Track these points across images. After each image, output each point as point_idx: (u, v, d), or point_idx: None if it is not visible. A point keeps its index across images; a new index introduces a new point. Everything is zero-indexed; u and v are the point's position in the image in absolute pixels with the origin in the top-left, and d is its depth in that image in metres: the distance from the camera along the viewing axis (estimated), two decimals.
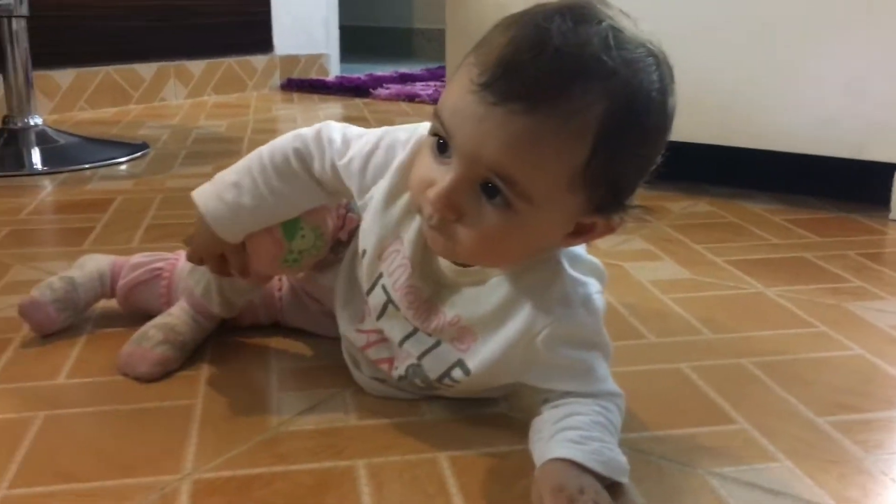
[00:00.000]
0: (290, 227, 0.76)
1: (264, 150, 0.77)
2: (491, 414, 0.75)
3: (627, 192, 0.62)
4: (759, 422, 0.74)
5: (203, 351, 0.87)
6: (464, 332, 0.69)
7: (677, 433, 0.72)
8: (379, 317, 0.73)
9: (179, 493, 0.63)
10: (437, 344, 0.70)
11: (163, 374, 0.81)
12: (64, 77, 2.42)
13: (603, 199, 0.61)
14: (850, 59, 1.35)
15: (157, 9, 2.66)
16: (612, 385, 0.69)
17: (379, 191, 0.71)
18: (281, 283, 0.91)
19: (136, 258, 0.94)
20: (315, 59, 3.26)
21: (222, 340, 0.89)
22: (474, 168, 0.58)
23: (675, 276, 1.11)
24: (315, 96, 2.92)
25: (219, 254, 0.78)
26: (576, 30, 0.56)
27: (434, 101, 2.72)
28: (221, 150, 1.93)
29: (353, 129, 0.75)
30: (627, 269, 1.12)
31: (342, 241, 0.82)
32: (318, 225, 0.78)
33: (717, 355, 0.87)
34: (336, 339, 0.82)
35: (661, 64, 0.60)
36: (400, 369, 0.74)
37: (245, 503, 0.62)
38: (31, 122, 1.83)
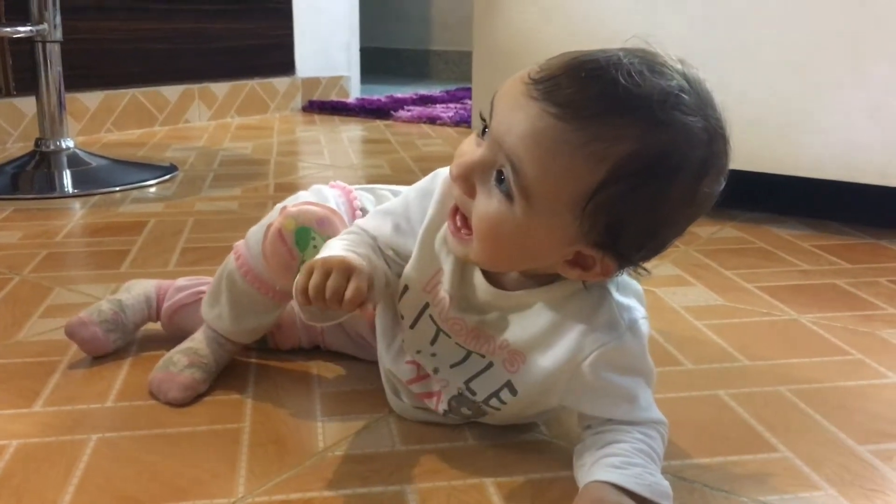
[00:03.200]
0: (303, 235, 0.79)
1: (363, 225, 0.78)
2: (532, 440, 0.76)
3: (628, 245, 0.62)
4: (801, 450, 0.74)
5: (246, 374, 0.88)
6: (514, 355, 0.70)
7: (720, 461, 0.73)
8: (432, 343, 0.74)
9: None
10: (490, 365, 0.71)
11: (193, 397, 0.82)
12: (91, 99, 2.46)
13: (601, 237, 0.61)
14: (874, 86, 1.37)
15: (181, 32, 2.70)
16: (655, 412, 0.70)
17: (423, 227, 0.73)
18: None
19: (181, 282, 0.96)
20: (336, 81, 3.30)
21: (264, 364, 0.91)
22: (497, 152, 0.61)
23: (708, 301, 1.12)
24: (336, 118, 2.95)
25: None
26: (644, 73, 0.57)
27: (456, 123, 2.74)
28: (249, 173, 1.96)
29: (372, 214, 0.78)
30: (660, 295, 1.13)
31: None
32: (329, 235, 0.78)
33: (755, 383, 0.88)
34: (376, 362, 0.84)
35: (713, 142, 0.60)
36: (444, 404, 0.75)
37: None
38: (63, 145, 1.85)
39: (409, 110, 2.95)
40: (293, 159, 2.16)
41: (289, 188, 1.80)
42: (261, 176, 1.92)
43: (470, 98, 1.83)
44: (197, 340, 0.87)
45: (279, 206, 0.83)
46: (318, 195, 0.83)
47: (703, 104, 0.60)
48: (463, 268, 0.71)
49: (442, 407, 0.75)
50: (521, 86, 0.60)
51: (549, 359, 0.68)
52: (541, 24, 1.66)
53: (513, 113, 0.60)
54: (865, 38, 1.36)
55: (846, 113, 1.39)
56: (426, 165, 2.06)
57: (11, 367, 0.89)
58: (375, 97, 3.28)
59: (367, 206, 0.85)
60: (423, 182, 0.75)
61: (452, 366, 0.73)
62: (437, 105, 3.12)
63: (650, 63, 0.59)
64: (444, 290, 0.72)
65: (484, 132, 0.64)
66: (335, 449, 0.74)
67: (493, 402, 0.72)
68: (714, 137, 0.60)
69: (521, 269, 0.68)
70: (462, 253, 0.67)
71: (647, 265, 0.67)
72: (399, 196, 0.77)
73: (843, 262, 1.30)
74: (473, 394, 0.73)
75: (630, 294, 0.70)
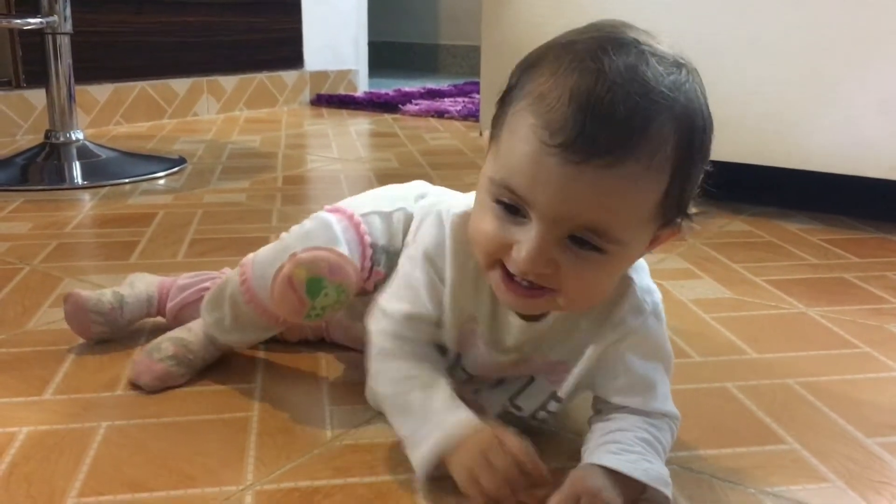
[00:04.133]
0: (314, 285, 0.75)
1: (380, 373, 0.70)
2: (539, 431, 0.76)
3: (689, 205, 0.64)
4: (809, 442, 0.74)
5: (254, 365, 0.88)
6: (555, 366, 0.70)
7: (728, 452, 0.73)
8: (465, 383, 0.73)
9: (243, 503, 0.64)
10: (532, 380, 0.71)
11: (163, 388, 0.82)
12: (101, 92, 2.46)
13: (673, 213, 0.62)
14: (883, 80, 1.36)
15: (190, 25, 2.70)
16: (670, 406, 0.70)
17: (447, 295, 0.69)
18: None
19: (182, 280, 0.95)
20: (344, 75, 3.30)
21: (273, 355, 0.91)
22: (563, 226, 0.58)
23: (716, 295, 1.12)
24: (344, 111, 2.96)
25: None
26: (627, 65, 0.56)
27: (464, 116, 2.74)
28: (257, 165, 1.96)
29: (390, 292, 0.72)
30: (668, 288, 1.13)
31: (369, 291, 0.79)
32: (341, 282, 0.75)
33: (763, 375, 0.88)
34: None
35: (694, 75, 0.61)
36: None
37: None
38: (73, 137, 1.86)
39: (416, 104, 2.95)
40: (301, 152, 2.16)
41: (297, 181, 1.81)
42: (269, 169, 1.93)
43: (478, 92, 1.83)
44: (193, 333, 0.86)
45: (285, 238, 0.80)
46: (327, 231, 0.78)
47: (670, 58, 0.59)
48: (495, 314, 0.69)
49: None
50: (549, 159, 0.56)
51: (586, 357, 0.68)
52: (551, 18, 1.66)
53: (566, 187, 0.56)
54: (874, 31, 1.36)
55: (855, 107, 1.39)
56: (433, 159, 2.06)
57: (21, 356, 0.90)
58: (383, 91, 3.28)
59: (376, 233, 0.79)
60: (428, 238, 0.70)
61: (492, 387, 0.73)
62: (446, 99, 3.12)
63: (613, 45, 0.57)
64: (481, 338, 0.70)
65: (511, 211, 0.60)
66: (343, 438, 0.74)
67: (541, 414, 0.72)
68: (689, 68, 0.60)
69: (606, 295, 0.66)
70: (539, 307, 0.64)
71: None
72: (406, 275, 0.71)
73: (852, 255, 1.30)
74: (519, 409, 0.73)
75: (643, 272, 0.70)
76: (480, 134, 1.85)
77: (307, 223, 0.80)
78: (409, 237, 0.79)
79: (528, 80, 0.60)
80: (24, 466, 0.69)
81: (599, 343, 0.68)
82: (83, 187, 1.72)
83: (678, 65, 0.60)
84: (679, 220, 0.64)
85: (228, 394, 0.82)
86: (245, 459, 0.71)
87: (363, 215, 0.80)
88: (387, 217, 0.81)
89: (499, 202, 0.60)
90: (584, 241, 0.58)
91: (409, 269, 0.71)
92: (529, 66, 0.61)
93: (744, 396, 0.83)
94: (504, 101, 0.62)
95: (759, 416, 0.79)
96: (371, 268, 0.79)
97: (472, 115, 2.72)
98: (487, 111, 1.82)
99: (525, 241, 0.59)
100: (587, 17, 1.71)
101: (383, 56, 4.46)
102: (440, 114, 2.82)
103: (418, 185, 0.87)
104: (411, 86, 3.52)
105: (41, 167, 1.81)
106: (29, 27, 1.79)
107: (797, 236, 1.40)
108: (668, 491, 0.63)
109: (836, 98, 1.40)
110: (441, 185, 0.89)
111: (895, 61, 1.35)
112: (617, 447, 0.65)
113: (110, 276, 1.14)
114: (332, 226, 0.78)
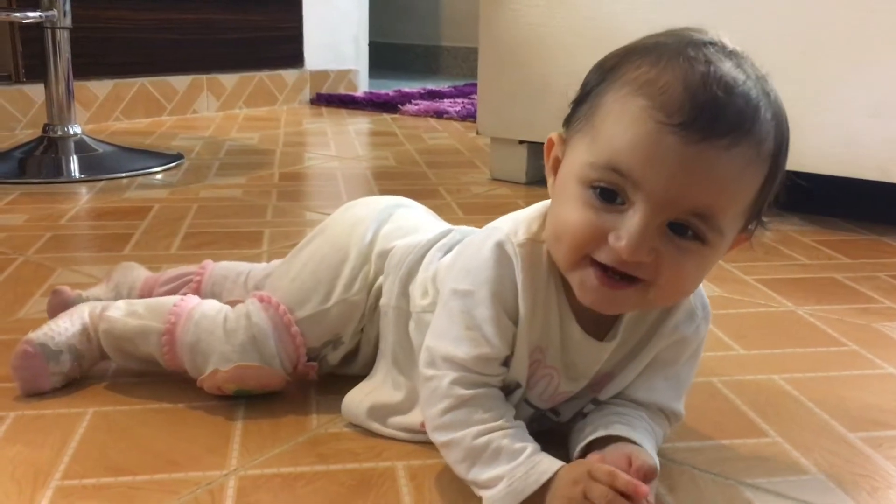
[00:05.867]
0: (242, 393, 0.78)
1: (462, 423, 0.64)
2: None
3: (765, 208, 0.63)
4: (792, 436, 0.75)
5: None
6: (602, 378, 0.69)
7: (710, 444, 0.73)
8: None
9: (226, 488, 0.65)
10: (574, 396, 0.70)
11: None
12: (101, 88, 2.47)
13: (754, 218, 0.62)
14: (875, 83, 1.36)
15: (191, 23, 2.71)
16: (680, 405, 0.70)
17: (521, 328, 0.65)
18: None
19: (166, 275, 0.95)
20: (344, 75, 3.31)
21: None
22: (669, 210, 0.56)
23: (707, 292, 1.11)
24: (344, 111, 2.96)
25: None
26: (725, 59, 0.57)
27: (462, 117, 2.75)
28: (254, 162, 1.96)
29: (450, 338, 0.65)
30: None
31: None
32: (269, 388, 0.78)
33: (749, 371, 0.88)
34: None
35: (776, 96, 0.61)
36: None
37: (289, 500, 0.64)
38: (71, 131, 1.87)
39: (416, 104, 2.96)
40: (299, 150, 2.16)
41: (293, 178, 1.81)
42: (266, 165, 1.93)
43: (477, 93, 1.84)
44: (93, 345, 0.81)
45: (223, 347, 0.77)
46: (264, 348, 0.77)
47: (757, 71, 0.60)
48: (564, 340, 0.66)
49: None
50: (669, 137, 0.55)
51: (638, 362, 0.68)
52: (546, 19, 1.67)
53: (683, 167, 0.55)
54: (867, 34, 1.36)
55: (847, 110, 1.39)
56: (431, 158, 2.07)
57: (11, 343, 0.89)
58: (383, 91, 3.29)
59: (311, 338, 0.78)
60: (481, 292, 0.65)
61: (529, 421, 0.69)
62: (445, 100, 3.13)
63: (717, 47, 0.59)
64: (552, 369, 0.67)
65: (607, 197, 0.57)
66: (329, 427, 0.75)
67: (577, 418, 0.71)
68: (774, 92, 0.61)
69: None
70: (630, 302, 0.60)
71: None
72: (465, 315, 0.65)
73: (844, 256, 1.30)
74: (558, 415, 0.71)
75: None
76: (478, 133, 1.85)
77: (241, 328, 0.77)
78: (439, 272, 0.74)
79: (624, 72, 0.58)
80: (9, 450, 0.69)
81: (650, 351, 0.67)
82: (80, 181, 1.73)
83: (761, 76, 0.60)
84: (753, 225, 0.63)
85: None
86: (230, 446, 0.71)
87: (300, 321, 0.78)
88: (324, 315, 0.78)
89: (594, 188, 0.58)
90: (685, 230, 0.57)
91: (468, 308, 0.64)
92: (615, 65, 0.60)
93: (728, 391, 0.83)
94: (587, 98, 0.61)
95: (742, 410, 0.80)
96: (305, 369, 0.80)
97: (470, 116, 2.73)
98: (485, 112, 1.83)
99: (626, 226, 0.56)
100: (581, 18, 1.72)
101: (385, 57, 4.46)
102: (439, 114, 2.82)
103: (381, 213, 0.82)
104: (412, 86, 3.53)
105: (39, 160, 1.81)
106: (28, 21, 1.79)
107: (789, 237, 1.40)
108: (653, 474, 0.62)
109: (828, 101, 1.40)
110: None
111: (887, 64, 1.35)
112: (626, 419, 0.66)
113: (103, 268, 1.14)
114: (268, 341, 0.77)
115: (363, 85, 3.41)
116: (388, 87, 3.45)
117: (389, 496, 0.64)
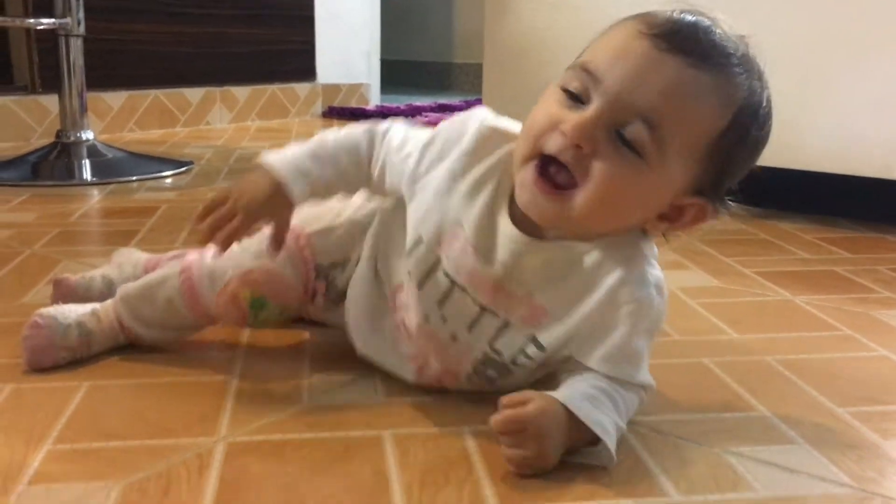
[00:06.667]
0: (257, 303, 0.79)
1: (333, 134, 0.79)
2: None
3: (724, 188, 0.66)
4: (781, 410, 0.75)
5: (238, 335, 0.90)
6: (536, 310, 0.69)
7: (697, 417, 0.73)
8: (440, 304, 0.72)
9: (214, 452, 0.66)
10: (506, 325, 0.70)
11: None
12: (115, 99, 2.51)
13: (709, 180, 0.65)
14: (877, 79, 1.37)
15: (204, 36, 2.75)
16: (645, 375, 0.70)
17: (437, 176, 0.71)
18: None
19: (170, 254, 0.97)
20: (356, 89, 3.34)
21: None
22: (620, 110, 0.61)
23: (703, 283, 1.12)
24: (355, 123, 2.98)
25: (256, 217, 0.75)
26: (727, 29, 0.64)
27: None
28: None
29: (415, 130, 0.77)
30: None
31: (317, 304, 0.83)
32: (283, 303, 0.80)
33: (741, 353, 0.88)
34: None
35: (767, 91, 0.66)
36: (465, 368, 0.74)
37: (277, 464, 0.64)
38: (83, 137, 1.90)
39: (426, 116, 2.98)
40: None
41: None
42: None
43: None
44: (102, 323, 0.83)
45: (234, 248, 0.78)
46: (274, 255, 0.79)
47: (754, 58, 0.66)
48: (489, 217, 0.70)
49: (465, 375, 0.74)
50: (640, 42, 0.62)
51: (578, 312, 0.68)
52: (550, 22, 1.68)
53: (643, 67, 0.61)
54: (868, 31, 1.37)
55: (848, 107, 1.39)
56: None
57: (12, 325, 0.91)
58: (395, 105, 3.32)
59: (320, 253, 0.81)
60: (454, 125, 0.74)
61: (470, 328, 0.72)
62: (456, 112, 3.15)
63: (715, 21, 0.65)
64: (466, 243, 0.70)
65: (573, 99, 0.63)
66: (319, 399, 0.76)
67: (521, 359, 0.71)
68: (766, 87, 0.66)
69: (617, 228, 0.67)
70: (554, 211, 0.65)
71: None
72: (429, 131, 0.76)
73: (844, 252, 1.30)
74: (499, 354, 0.72)
75: (652, 258, 0.71)
76: None
77: (255, 241, 0.80)
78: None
79: (624, 20, 0.65)
80: (4, 419, 0.71)
81: (587, 301, 0.67)
82: (91, 184, 1.76)
83: (759, 69, 0.66)
84: (710, 201, 0.66)
85: (211, 360, 0.84)
86: (220, 416, 0.72)
87: (308, 236, 0.81)
88: (331, 232, 0.81)
89: (565, 90, 0.64)
90: (629, 141, 0.61)
91: (424, 133, 0.75)
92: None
93: (719, 370, 0.83)
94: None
95: (733, 387, 0.80)
96: (314, 285, 0.82)
97: None
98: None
99: (578, 115, 0.62)
100: (584, 20, 1.73)
101: (397, 74, 4.50)
102: None
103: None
104: (424, 101, 3.56)
105: (52, 164, 1.84)
106: (42, 27, 1.84)
107: (791, 234, 1.40)
108: (609, 441, 0.63)
109: (829, 98, 1.41)
110: None
111: (889, 61, 1.36)
112: (571, 387, 0.67)
113: (107, 260, 1.16)
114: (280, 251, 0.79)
115: (374, 99, 3.45)
116: (400, 102, 3.48)
117: (375, 461, 0.65)
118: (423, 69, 4.76)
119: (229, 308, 0.79)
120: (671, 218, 0.67)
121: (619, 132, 0.61)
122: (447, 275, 0.71)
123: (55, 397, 0.75)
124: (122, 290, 0.84)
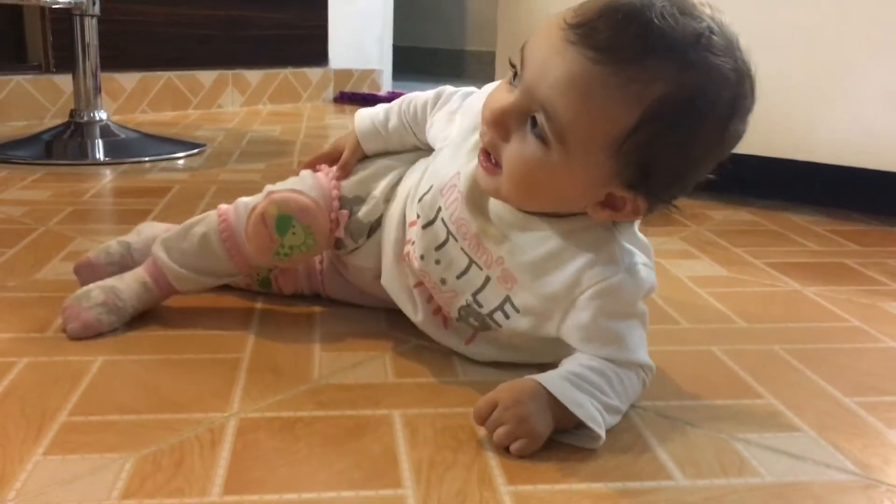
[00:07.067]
0: (284, 222, 0.83)
1: (411, 95, 0.90)
2: (520, 377, 0.77)
3: (659, 184, 0.65)
4: (787, 398, 0.75)
5: (251, 313, 0.91)
6: (506, 274, 0.73)
7: (704, 403, 0.74)
8: (438, 248, 0.76)
9: (226, 427, 0.67)
10: (487, 281, 0.74)
11: (91, 336, 0.82)
12: (128, 80, 2.52)
13: (633, 178, 0.64)
14: (890, 72, 1.36)
15: (218, 18, 2.75)
16: (641, 355, 0.71)
17: (455, 134, 0.79)
18: (322, 257, 0.94)
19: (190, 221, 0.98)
20: (368, 74, 3.34)
21: (268, 305, 0.93)
22: (530, 98, 0.63)
23: (713, 273, 1.13)
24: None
25: (339, 153, 0.88)
26: (676, 16, 0.60)
27: None
28: (275, 151, 2.00)
29: (469, 97, 0.84)
30: (666, 266, 1.14)
31: (341, 239, 0.86)
32: (309, 224, 0.84)
33: (749, 341, 0.89)
34: (377, 308, 0.89)
35: (740, 83, 0.63)
36: (453, 312, 0.78)
37: (287, 440, 0.65)
38: (97, 117, 1.91)
39: None
40: (320, 141, 2.19)
41: None
42: (286, 154, 1.96)
43: None
44: (125, 281, 0.86)
45: (267, 187, 0.87)
46: (302, 181, 0.87)
47: (731, 46, 0.63)
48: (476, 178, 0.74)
49: (452, 315, 0.78)
50: (556, 31, 0.62)
51: (544, 286, 0.70)
52: (564, 9, 1.68)
53: (548, 59, 0.62)
54: (880, 24, 1.36)
55: (861, 100, 1.39)
56: None
57: (27, 300, 0.93)
58: (406, 92, 3.31)
59: (345, 185, 0.87)
60: (484, 89, 0.79)
61: (458, 276, 0.76)
62: None
63: (681, 5, 0.61)
64: (458, 191, 0.75)
65: (514, 78, 0.66)
66: (330, 378, 0.77)
67: (498, 315, 0.74)
68: (742, 78, 0.63)
69: (549, 209, 0.70)
70: (492, 187, 0.70)
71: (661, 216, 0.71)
72: (459, 92, 0.86)
73: (855, 244, 1.30)
74: (480, 306, 0.75)
75: (638, 245, 0.72)
76: None
77: (291, 178, 0.88)
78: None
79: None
80: (20, 390, 0.72)
81: (560, 278, 0.69)
82: (104, 163, 1.77)
83: (731, 60, 0.62)
84: (648, 199, 0.65)
85: (223, 337, 0.85)
86: (233, 392, 0.73)
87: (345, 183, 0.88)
88: (358, 170, 0.88)
89: (512, 67, 0.67)
90: (536, 125, 0.63)
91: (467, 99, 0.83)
92: None
93: (727, 358, 0.84)
94: None
95: (740, 375, 0.80)
96: (337, 215, 0.85)
97: None
98: None
99: (502, 102, 0.65)
100: None
101: (409, 61, 4.50)
102: None
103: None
104: (435, 87, 3.55)
105: (65, 143, 1.85)
106: (57, 6, 1.84)
107: (802, 226, 1.40)
108: (588, 420, 0.63)
109: (842, 91, 1.40)
110: None
111: None
112: (560, 368, 0.68)
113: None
114: (306, 178, 0.87)
115: (387, 85, 3.45)
116: (412, 88, 3.48)
117: (385, 439, 0.66)
118: (436, 56, 4.76)
119: (258, 229, 0.83)
120: (615, 207, 0.67)
121: (533, 119, 0.64)
122: (444, 223, 0.76)
123: (70, 371, 0.76)
124: (159, 238, 0.89)
